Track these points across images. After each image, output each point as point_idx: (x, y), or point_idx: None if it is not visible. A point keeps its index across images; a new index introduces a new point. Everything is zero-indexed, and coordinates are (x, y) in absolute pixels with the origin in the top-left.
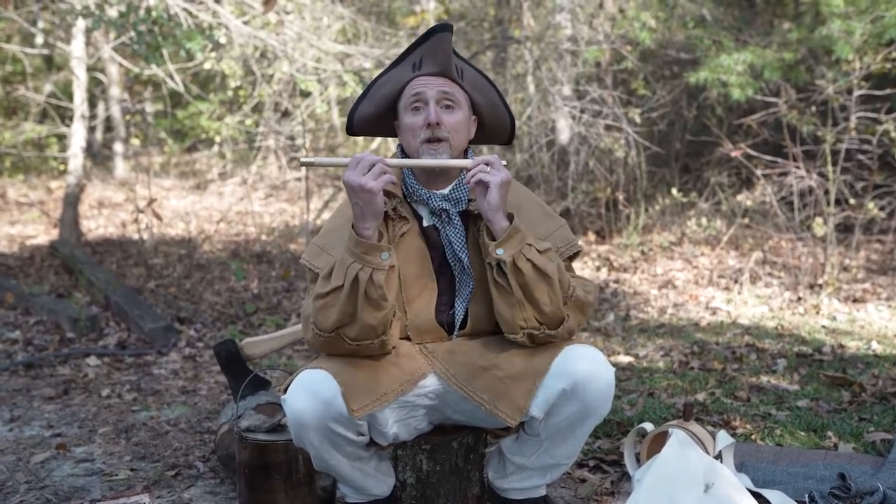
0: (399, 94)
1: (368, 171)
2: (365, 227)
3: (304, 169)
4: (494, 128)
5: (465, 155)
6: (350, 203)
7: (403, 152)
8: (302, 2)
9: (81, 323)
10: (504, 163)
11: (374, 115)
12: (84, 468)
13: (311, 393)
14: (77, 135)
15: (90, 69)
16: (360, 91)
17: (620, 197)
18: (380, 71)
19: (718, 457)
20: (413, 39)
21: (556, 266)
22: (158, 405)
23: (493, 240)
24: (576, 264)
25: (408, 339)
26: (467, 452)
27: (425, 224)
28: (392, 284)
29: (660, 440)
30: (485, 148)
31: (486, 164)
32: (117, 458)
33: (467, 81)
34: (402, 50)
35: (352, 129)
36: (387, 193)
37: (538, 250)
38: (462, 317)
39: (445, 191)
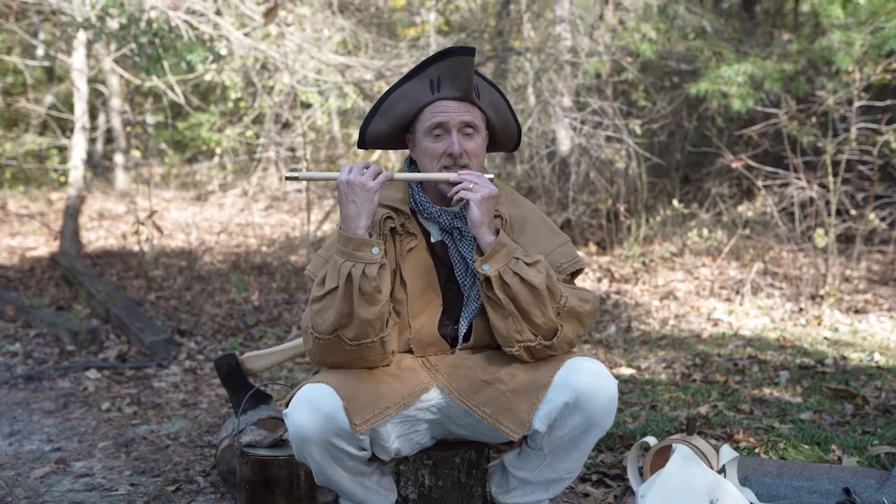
0: (417, 113)
1: (364, 172)
2: (360, 227)
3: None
4: (503, 138)
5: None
6: (344, 204)
7: (411, 166)
8: (302, 14)
9: (81, 336)
10: (490, 176)
11: (389, 132)
12: (84, 483)
13: (312, 407)
14: (78, 146)
15: (91, 81)
16: (360, 102)
17: (621, 208)
18: (381, 82)
19: (722, 471)
20: (414, 51)
21: (545, 277)
22: (159, 419)
23: (481, 255)
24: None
25: (410, 352)
26: (469, 467)
27: (433, 240)
28: (385, 279)
29: (663, 454)
30: (485, 158)
31: (471, 180)
32: (117, 473)
33: (484, 100)
34: (403, 61)
35: (363, 144)
36: (394, 209)
37: (526, 263)
38: (465, 331)
39: (456, 208)
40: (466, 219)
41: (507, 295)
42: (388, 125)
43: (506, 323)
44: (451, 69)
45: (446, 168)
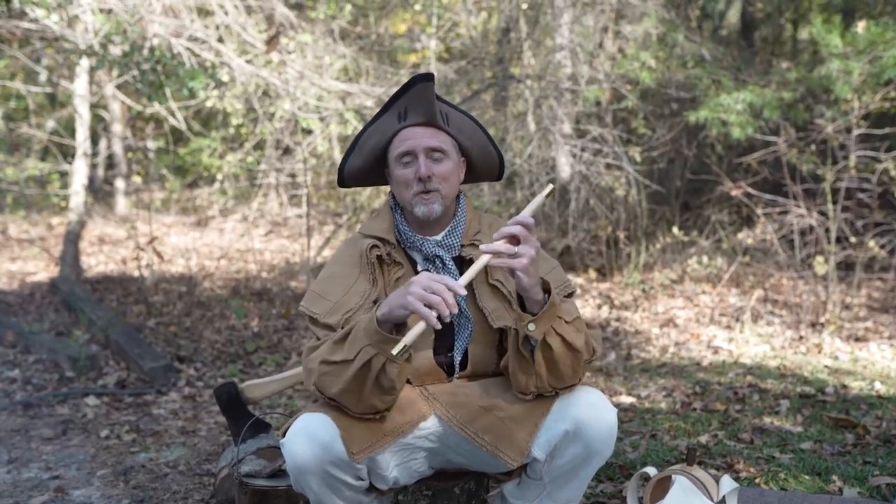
0: (387, 145)
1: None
2: (397, 317)
3: (304, 205)
4: (483, 167)
5: (457, 200)
6: (403, 295)
7: (395, 199)
8: (304, 41)
9: (81, 362)
10: (550, 188)
11: (364, 167)
12: None
13: (309, 437)
14: (79, 172)
15: (93, 106)
16: (361, 128)
17: (621, 235)
18: (380, 109)
19: (722, 502)
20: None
21: (584, 336)
22: (157, 446)
23: (524, 309)
24: (576, 303)
25: (407, 382)
26: (469, 498)
27: (419, 269)
28: (403, 374)
29: (663, 485)
30: (485, 186)
31: (516, 241)
32: (116, 502)
33: (453, 126)
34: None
35: (343, 182)
36: (380, 239)
37: (566, 321)
38: (461, 359)
39: (438, 237)
40: (516, 282)
41: (545, 356)
42: (362, 160)
43: (527, 377)
44: (414, 98)
45: (418, 194)
